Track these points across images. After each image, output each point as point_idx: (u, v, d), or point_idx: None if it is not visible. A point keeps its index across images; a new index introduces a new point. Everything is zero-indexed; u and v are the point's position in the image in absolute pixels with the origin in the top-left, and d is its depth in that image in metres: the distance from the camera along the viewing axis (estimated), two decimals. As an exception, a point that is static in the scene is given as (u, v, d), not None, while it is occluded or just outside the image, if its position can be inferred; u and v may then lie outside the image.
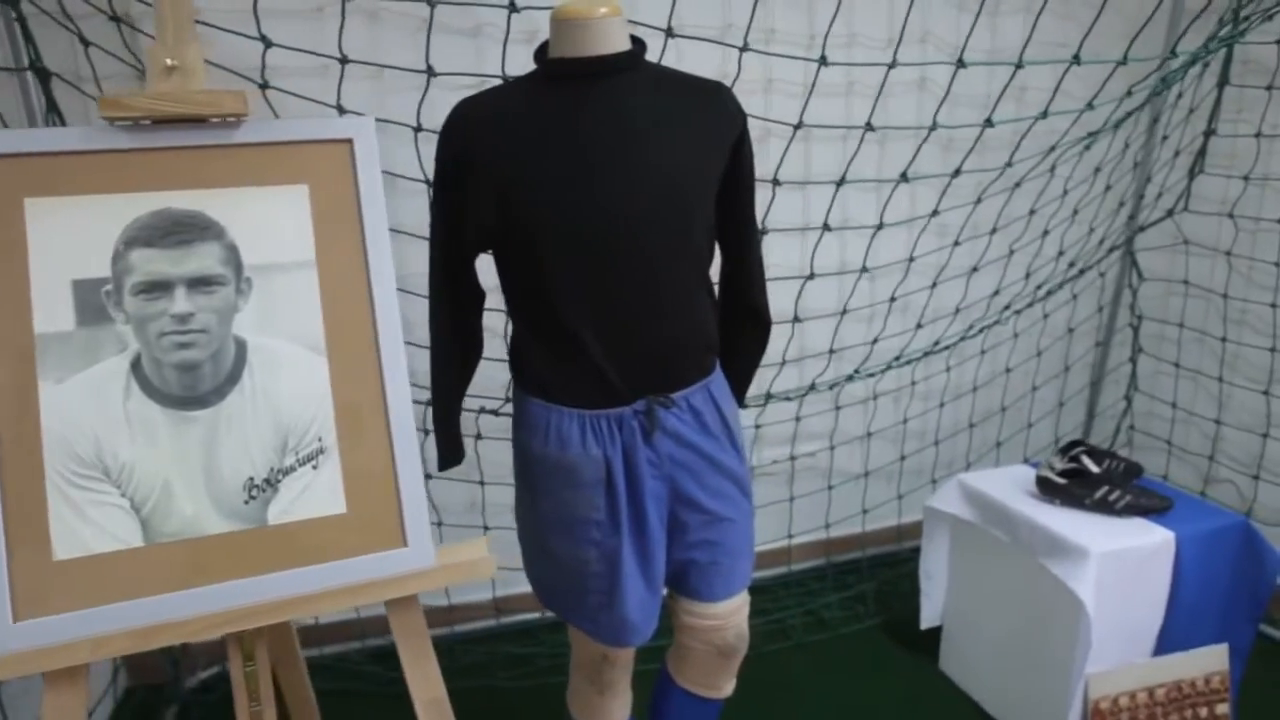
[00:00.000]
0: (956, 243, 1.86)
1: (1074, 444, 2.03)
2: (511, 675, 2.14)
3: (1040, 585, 1.84)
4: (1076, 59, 1.44)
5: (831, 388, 2.11)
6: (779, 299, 2.07)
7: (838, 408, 2.32)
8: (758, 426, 2.27)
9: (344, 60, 1.32)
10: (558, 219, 1.17)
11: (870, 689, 2.10)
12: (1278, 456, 2.28)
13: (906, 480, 2.53)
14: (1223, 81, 2.21)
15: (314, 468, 0.95)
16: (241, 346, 0.95)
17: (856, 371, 2.05)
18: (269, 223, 0.96)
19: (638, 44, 1.25)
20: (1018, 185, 1.87)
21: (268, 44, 1.31)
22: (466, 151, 1.19)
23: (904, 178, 1.57)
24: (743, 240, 1.38)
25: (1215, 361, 2.41)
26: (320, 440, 0.95)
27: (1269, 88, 2.14)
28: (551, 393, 1.25)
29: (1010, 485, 2.02)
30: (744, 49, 1.38)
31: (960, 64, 1.37)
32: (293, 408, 0.95)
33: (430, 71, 1.34)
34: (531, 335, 1.27)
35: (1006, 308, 2.20)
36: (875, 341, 2.01)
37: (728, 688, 1.51)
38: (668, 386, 1.26)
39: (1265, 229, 2.24)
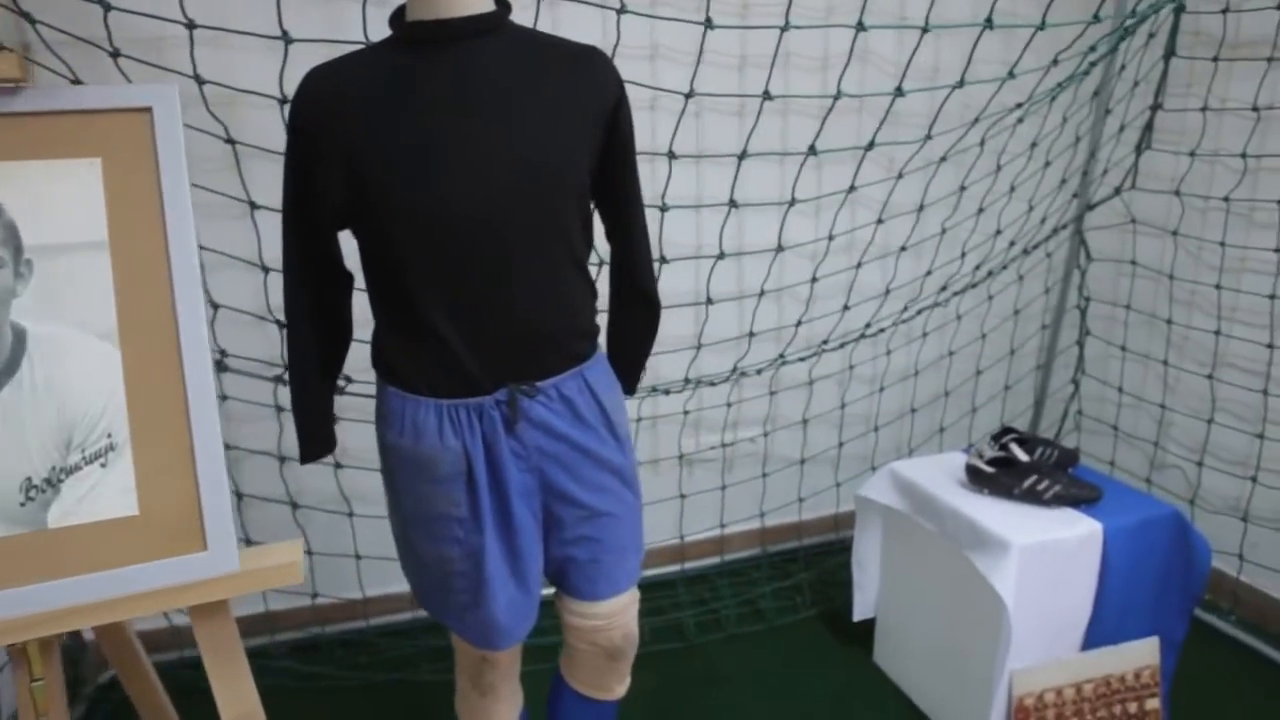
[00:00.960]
0: (880, 220, 1.78)
1: (1005, 431, 1.96)
2: (434, 669, 2.08)
3: (966, 578, 1.78)
4: (989, 22, 1.35)
5: (759, 372, 2.04)
6: (690, 279, 1.98)
7: (772, 392, 2.24)
8: (686, 412, 2.19)
9: (191, 25, 1.23)
10: (407, 198, 1.08)
11: (803, 682, 2.04)
12: (1222, 442, 2.21)
13: (848, 467, 2.46)
14: (1169, 53, 2.12)
15: (102, 466, 0.87)
16: (20, 335, 0.86)
17: (783, 356, 1.97)
18: (54, 199, 0.87)
19: (501, 5, 1.16)
20: (943, 159, 1.78)
21: (107, 8, 1.22)
22: (313, 124, 1.11)
23: (812, 150, 1.48)
24: (625, 218, 1.30)
25: (1163, 345, 2.33)
26: (110, 437, 0.87)
27: (1215, 59, 2.04)
28: (407, 381, 1.18)
29: (941, 474, 1.95)
30: (621, 11, 1.29)
31: (860, 27, 1.27)
32: (79, 401, 0.87)
33: (286, 38, 1.25)
34: (387, 320, 1.19)
35: (943, 289, 2.11)
36: (799, 324, 1.92)
37: (619, 689, 1.45)
38: (533, 374, 1.18)
39: (1215, 207, 2.16)
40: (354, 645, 2.15)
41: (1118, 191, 2.31)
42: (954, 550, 1.80)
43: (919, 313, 2.16)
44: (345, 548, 2.05)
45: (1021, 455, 1.82)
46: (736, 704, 1.96)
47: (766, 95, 1.36)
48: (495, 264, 1.12)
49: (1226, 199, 2.07)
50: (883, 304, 2.00)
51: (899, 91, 1.42)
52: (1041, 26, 1.42)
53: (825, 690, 2.02)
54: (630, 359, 1.42)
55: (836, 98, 1.38)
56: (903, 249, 1.91)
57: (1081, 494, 1.78)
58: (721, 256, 1.64)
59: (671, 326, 2.10)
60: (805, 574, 2.41)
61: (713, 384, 2.00)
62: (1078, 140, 2.11)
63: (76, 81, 1.36)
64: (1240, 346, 2.14)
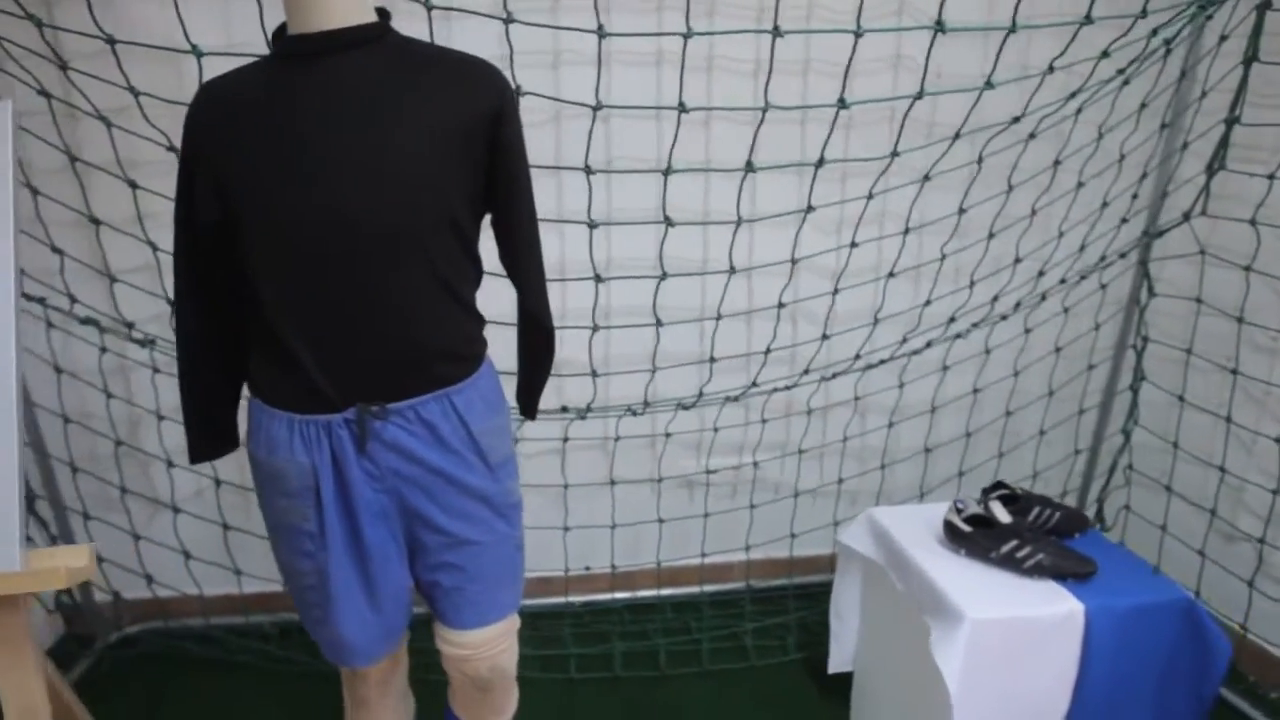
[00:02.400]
0: (854, 244, 1.61)
1: (997, 486, 1.75)
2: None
3: (928, 646, 1.59)
4: (940, 26, 1.18)
5: (738, 398, 1.92)
6: (634, 296, 1.88)
7: (764, 420, 2.11)
8: (669, 435, 2.10)
9: (112, 41, 1.29)
10: (261, 214, 1.09)
11: (769, 730, 1.91)
12: (1294, 518, 1.87)
13: (855, 504, 2.28)
14: (1250, 57, 1.80)
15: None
16: None
17: (755, 383, 1.84)
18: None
19: (382, 16, 1.15)
20: (927, 178, 1.59)
21: (40, 24, 1.29)
22: (195, 137, 1.14)
23: (750, 167, 1.36)
24: (514, 238, 1.25)
25: (1227, 397, 1.99)
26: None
27: (1304, 65, 1.72)
28: (264, 394, 1.19)
29: (922, 526, 1.76)
30: (508, 21, 1.23)
31: (776, 31, 1.14)
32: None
33: (196, 52, 1.29)
34: (252, 333, 1.21)
35: (952, 320, 1.90)
36: (769, 350, 1.79)
37: (498, 720, 1.40)
38: (388, 395, 1.15)
39: (1302, 240, 1.82)
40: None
41: (1186, 218, 2.00)
42: (919, 613, 1.62)
43: (928, 345, 1.96)
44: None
45: (1002, 516, 1.61)
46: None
47: (682, 108, 1.26)
48: (346, 282, 1.10)
49: (1310, 232, 1.74)
50: (871, 333, 1.83)
51: (841, 103, 1.27)
52: (1013, 29, 1.24)
53: (790, 743, 1.88)
54: (526, 383, 1.38)
55: (765, 110, 1.26)
56: (891, 275, 1.73)
57: (1067, 567, 1.56)
58: (664, 277, 1.55)
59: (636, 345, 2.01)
60: (798, 614, 2.26)
61: (685, 407, 1.90)
62: (1122, 158, 1.84)
63: (42, 93, 1.47)
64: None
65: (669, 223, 1.46)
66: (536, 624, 2.25)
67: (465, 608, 1.27)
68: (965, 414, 2.19)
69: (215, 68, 1.41)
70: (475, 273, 1.25)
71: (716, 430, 2.09)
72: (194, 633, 2.17)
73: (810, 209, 1.47)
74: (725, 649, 2.17)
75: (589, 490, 2.13)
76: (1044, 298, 2.05)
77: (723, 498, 2.27)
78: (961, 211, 1.69)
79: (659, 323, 1.64)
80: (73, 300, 1.72)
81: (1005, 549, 1.59)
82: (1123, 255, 2.09)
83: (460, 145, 1.12)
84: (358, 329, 1.12)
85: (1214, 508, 1.98)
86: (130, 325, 1.74)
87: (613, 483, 2.08)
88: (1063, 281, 1.99)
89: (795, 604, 2.29)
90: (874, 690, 1.85)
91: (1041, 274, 1.93)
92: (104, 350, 1.86)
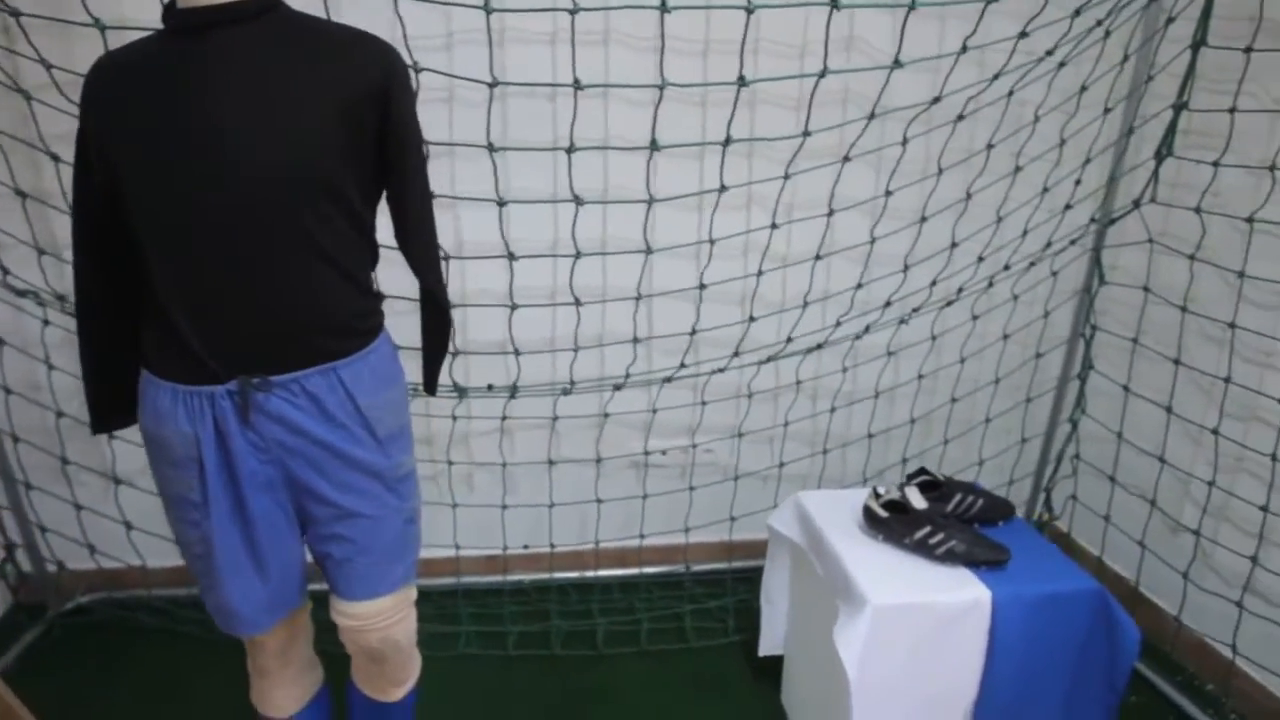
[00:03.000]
0: (774, 225, 1.59)
1: (919, 472, 1.74)
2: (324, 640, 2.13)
3: (835, 630, 1.59)
4: (834, 3, 1.16)
5: (670, 380, 1.91)
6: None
7: (704, 403, 2.10)
8: (607, 415, 2.10)
9: (15, 14, 1.29)
10: (147, 185, 1.10)
11: (700, 711, 1.92)
12: (1236, 510, 1.84)
13: (805, 489, 2.27)
14: (1198, 41, 1.76)
15: None
16: None
17: (683, 364, 1.83)
18: None
19: (274, -10, 1.15)
20: (847, 159, 1.56)
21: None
22: (87, 108, 1.15)
23: (654, 145, 1.35)
24: (406, 215, 1.25)
25: (1169, 387, 1.96)
26: None
27: (1248, 50, 1.68)
28: (151, 364, 1.20)
29: (846, 512, 1.76)
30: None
31: (663, 8, 1.13)
32: None
33: (100, 26, 1.29)
34: (144, 305, 1.22)
35: (888, 304, 1.88)
36: (694, 333, 1.78)
37: (396, 691, 1.43)
38: (271, 367, 1.16)
39: (1244, 228, 1.78)
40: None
41: (1136, 205, 1.96)
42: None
43: (867, 329, 1.94)
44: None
45: (917, 502, 1.60)
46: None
47: (577, 85, 1.25)
48: (231, 255, 1.11)
49: (1251, 220, 1.71)
50: (801, 316, 1.81)
51: (741, 80, 1.26)
52: (913, 6, 1.21)
53: (719, 724, 1.89)
54: (426, 358, 1.38)
55: (662, 88, 1.25)
56: (817, 258, 1.71)
57: (980, 554, 1.55)
58: (579, 255, 1.54)
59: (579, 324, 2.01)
60: (738, 597, 2.26)
61: (617, 388, 1.90)
62: (1063, 143, 1.80)
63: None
64: (1259, 398, 1.76)
65: (578, 202, 1.45)
66: (483, 600, 2.28)
67: (355, 580, 1.29)
68: (911, 400, 2.17)
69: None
70: (369, 250, 1.25)
71: (655, 412, 2.09)
72: (144, 603, 2.20)
73: (724, 188, 1.46)
74: (664, 630, 2.18)
75: (535, 469, 2.13)
76: (991, 284, 2.03)
77: (671, 479, 2.27)
78: (888, 194, 1.67)
79: (578, 302, 1.63)
80: (5, 272, 1.74)
81: (919, 535, 1.58)
82: (1073, 242, 2.05)
83: (349, 120, 1.13)
84: (242, 301, 1.13)
85: (1154, 499, 1.96)
86: (62, 298, 1.76)
87: (551, 462, 2.09)
88: (1006, 268, 1.96)
89: (736, 586, 2.29)
90: (800, 672, 1.85)
91: (981, 259, 1.90)
92: (46, 323, 1.89)
